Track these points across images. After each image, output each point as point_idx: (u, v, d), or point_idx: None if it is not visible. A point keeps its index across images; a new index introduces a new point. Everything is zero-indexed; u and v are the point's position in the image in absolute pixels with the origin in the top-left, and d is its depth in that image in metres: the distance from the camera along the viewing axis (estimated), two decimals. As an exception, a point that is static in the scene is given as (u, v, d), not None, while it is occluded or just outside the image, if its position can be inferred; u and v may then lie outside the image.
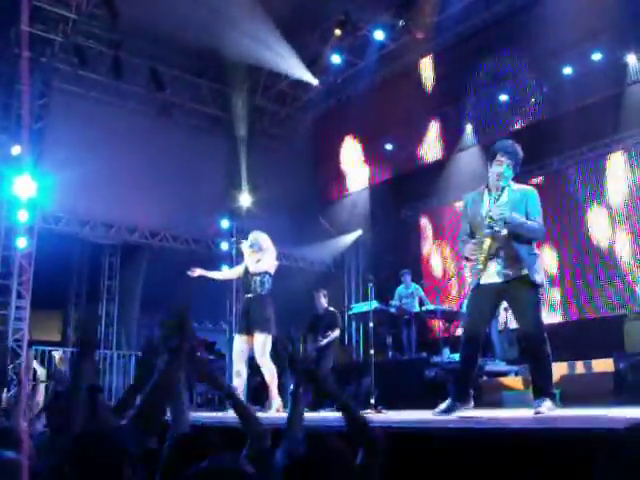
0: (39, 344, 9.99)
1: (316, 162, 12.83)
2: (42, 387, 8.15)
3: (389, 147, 11.61)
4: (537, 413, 3.76)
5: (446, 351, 8.64)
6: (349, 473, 1.34)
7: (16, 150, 9.06)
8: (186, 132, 11.50)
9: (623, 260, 9.45)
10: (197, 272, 6.52)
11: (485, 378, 7.49)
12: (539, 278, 4.13)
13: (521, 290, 4.06)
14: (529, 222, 4.08)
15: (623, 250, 9.49)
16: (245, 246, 6.40)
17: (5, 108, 9.29)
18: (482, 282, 4.10)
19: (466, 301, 4.45)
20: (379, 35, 10.07)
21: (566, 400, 5.43)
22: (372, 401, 6.07)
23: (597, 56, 8.80)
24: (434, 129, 10.89)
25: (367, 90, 11.01)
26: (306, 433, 1.39)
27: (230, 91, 11.69)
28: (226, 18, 9.19)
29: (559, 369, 6.71)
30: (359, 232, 12.88)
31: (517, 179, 4.28)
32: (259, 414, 2.66)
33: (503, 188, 4.16)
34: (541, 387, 3.94)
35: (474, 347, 4.14)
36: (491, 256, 4.05)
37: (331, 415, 2.63)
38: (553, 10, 8.34)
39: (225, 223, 12.13)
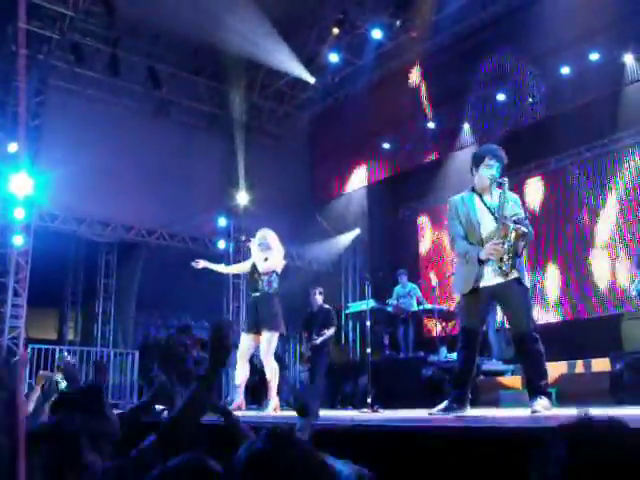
0: (35, 342, 9.98)
1: (313, 160, 12.84)
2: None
3: (386, 146, 11.61)
4: (534, 412, 3.76)
5: (443, 350, 8.66)
6: (309, 468, 1.33)
7: (12, 148, 9.04)
8: (183, 130, 11.48)
9: (620, 259, 9.46)
10: (201, 264, 6.45)
11: (482, 377, 7.50)
12: (527, 281, 4.24)
13: (512, 291, 4.09)
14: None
15: (620, 249, 9.50)
16: (254, 244, 6.36)
17: (1, 105, 9.26)
18: (476, 286, 4.10)
19: (459, 304, 4.45)
20: (377, 34, 10.07)
21: (563, 399, 5.44)
22: (369, 400, 6.06)
23: (594, 56, 8.81)
24: (431, 128, 10.89)
25: (365, 89, 11.02)
26: (267, 429, 1.39)
27: (227, 89, 11.67)
28: (224, 16, 9.17)
29: (557, 369, 6.72)
30: (356, 231, 12.89)
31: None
32: (255, 413, 2.65)
33: (498, 186, 4.18)
34: (536, 386, 3.94)
35: (472, 350, 4.16)
36: (499, 259, 4.02)
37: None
38: (551, 10, 8.35)
39: (222, 221, 12.12)
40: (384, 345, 9.38)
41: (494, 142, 9.73)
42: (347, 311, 10.22)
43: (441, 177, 11.18)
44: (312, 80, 11.18)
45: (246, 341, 6.24)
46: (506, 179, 4.14)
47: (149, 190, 10.45)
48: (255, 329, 6.17)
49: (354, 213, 12.74)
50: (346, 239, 12.97)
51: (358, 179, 12.20)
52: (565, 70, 9.12)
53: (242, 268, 6.87)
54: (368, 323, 6.86)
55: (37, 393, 4.36)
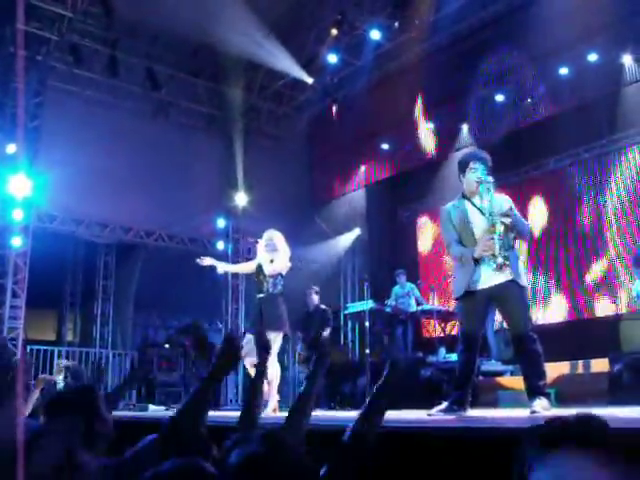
0: (34, 343, 9.97)
1: (312, 161, 12.84)
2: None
3: (385, 147, 11.61)
4: (533, 412, 3.76)
5: (442, 351, 8.65)
6: (303, 471, 1.34)
7: (11, 149, 9.02)
8: (182, 131, 11.48)
9: (620, 259, 9.46)
10: (207, 261, 6.40)
11: (481, 378, 7.49)
12: (524, 280, 4.22)
13: (510, 292, 4.11)
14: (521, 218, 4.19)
15: (620, 249, 9.50)
16: (260, 245, 6.33)
17: (0, 107, 9.25)
18: (473, 288, 4.14)
19: (458, 306, 4.46)
20: (375, 35, 10.07)
21: (563, 400, 5.43)
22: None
23: (593, 57, 8.81)
24: (430, 129, 10.89)
25: (363, 90, 11.02)
26: (261, 431, 1.38)
27: (226, 90, 11.67)
28: (223, 17, 9.17)
29: (557, 369, 6.72)
30: (356, 232, 12.88)
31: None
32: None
33: (487, 191, 4.23)
34: (535, 387, 3.95)
35: (472, 353, 4.18)
36: (491, 255, 4.06)
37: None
38: (549, 10, 8.36)
39: (221, 222, 12.12)
40: (383, 346, 9.36)
41: (493, 142, 9.84)
42: (346, 312, 10.20)
43: (440, 178, 11.18)
44: (310, 81, 11.18)
45: (253, 343, 6.19)
46: (490, 178, 4.21)
47: (148, 191, 10.44)
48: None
49: (353, 214, 12.74)
50: (345, 240, 12.96)
51: (357, 180, 12.20)
52: (564, 71, 9.12)
53: (247, 268, 6.82)
54: (367, 324, 6.86)
55: (36, 395, 4.36)
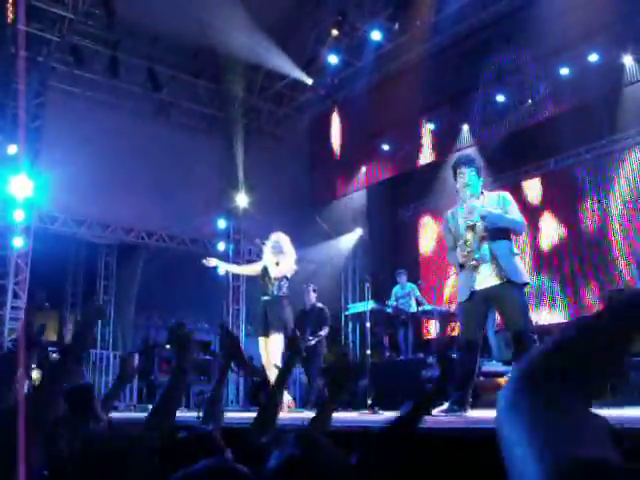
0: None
1: (313, 162, 12.84)
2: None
3: (386, 147, 11.60)
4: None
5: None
6: (343, 473, 1.34)
7: (12, 149, 9.04)
8: (183, 132, 11.49)
9: (621, 258, 9.46)
10: (213, 262, 6.43)
11: (482, 378, 7.49)
12: (524, 278, 4.24)
13: (506, 293, 4.14)
14: (507, 215, 4.21)
15: (621, 248, 9.50)
16: (267, 247, 6.31)
17: (1, 107, 9.26)
18: (472, 290, 4.16)
19: (459, 308, 4.49)
20: (376, 35, 10.07)
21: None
22: (368, 402, 6.06)
23: (594, 57, 8.81)
24: (431, 129, 10.90)
25: (364, 90, 11.02)
26: (297, 434, 1.39)
27: (227, 91, 11.68)
28: (223, 18, 9.18)
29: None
30: (356, 232, 12.87)
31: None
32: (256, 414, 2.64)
33: (478, 197, 4.26)
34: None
35: (473, 354, 4.20)
36: (478, 258, 4.11)
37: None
38: (550, 11, 8.35)
39: (222, 223, 12.11)
40: (384, 346, 9.36)
41: (494, 143, 9.82)
42: (347, 312, 10.19)
43: (441, 178, 11.14)
44: (311, 81, 11.18)
45: (261, 346, 6.19)
46: (475, 190, 4.28)
47: (149, 192, 10.45)
48: (264, 333, 6.15)
49: (354, 214, 12.73)
50: (346, 240, 12.95)
51: (358, 180, 12.20)
52: (564, 71, 9.12)
53: (253, 270, 6.79)
54: (368, 324, 6.85)
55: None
